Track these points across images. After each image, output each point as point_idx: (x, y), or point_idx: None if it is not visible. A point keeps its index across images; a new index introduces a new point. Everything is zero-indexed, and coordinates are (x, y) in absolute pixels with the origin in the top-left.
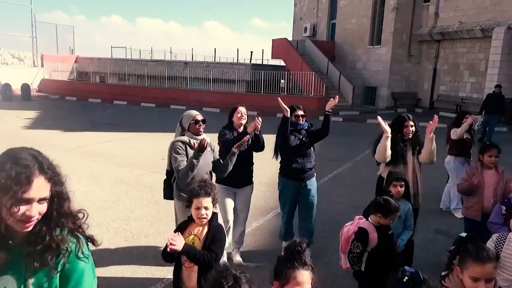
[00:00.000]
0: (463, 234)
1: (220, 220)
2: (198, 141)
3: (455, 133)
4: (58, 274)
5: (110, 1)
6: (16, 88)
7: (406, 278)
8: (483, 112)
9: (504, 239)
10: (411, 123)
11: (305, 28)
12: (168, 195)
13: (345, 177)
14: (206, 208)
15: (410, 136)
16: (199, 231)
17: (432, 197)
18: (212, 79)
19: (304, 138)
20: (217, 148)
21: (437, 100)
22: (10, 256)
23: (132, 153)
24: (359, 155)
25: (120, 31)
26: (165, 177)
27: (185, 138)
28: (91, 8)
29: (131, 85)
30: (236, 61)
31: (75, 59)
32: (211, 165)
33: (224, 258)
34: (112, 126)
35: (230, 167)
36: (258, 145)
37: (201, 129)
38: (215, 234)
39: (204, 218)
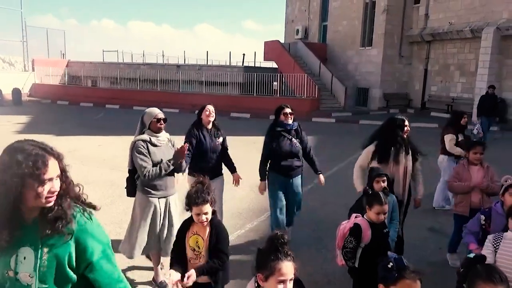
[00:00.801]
0: (471, 255)
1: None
2: (176, 149)
3: (450, 147)
4: (71, 242)
5: (102, 4)
6: (7, 93)
7: (391, 264)
8: (481, 116)
9: (500, 238)
10: (407, 123)
11: (297, 30)
12: (131, 192)
13: (339, 177)
14: (205, 213)
15: (405, 136)
16: (202, 231)
17: (425, 196)
18: (205, 81)
19: (293, 138)
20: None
21: (428, 101)
22: (26, 232)
23: (125, 156)
24: (352, 155)
25: (112, 35)
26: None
27: (145, 137)
28: (82, 11)
29: (123, 88)
30: (229, 64)
31: (66, 63)
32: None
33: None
34: (104, 130)
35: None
36: None
37: (162, 128)
38: (218, 232)
39: (205, 222)
